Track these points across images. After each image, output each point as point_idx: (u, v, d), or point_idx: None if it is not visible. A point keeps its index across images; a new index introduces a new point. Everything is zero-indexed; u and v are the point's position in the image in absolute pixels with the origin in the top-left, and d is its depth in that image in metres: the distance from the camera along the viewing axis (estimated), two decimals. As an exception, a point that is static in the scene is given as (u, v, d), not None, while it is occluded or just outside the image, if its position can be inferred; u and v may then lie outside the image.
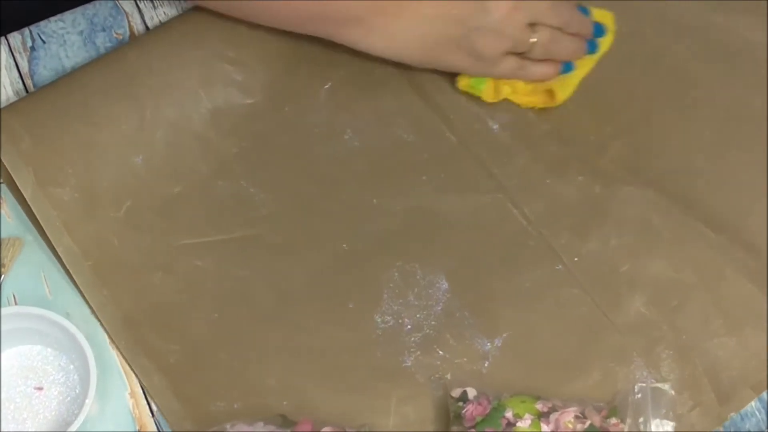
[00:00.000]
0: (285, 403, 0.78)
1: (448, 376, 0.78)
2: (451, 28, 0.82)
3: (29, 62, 0.88)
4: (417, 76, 0.89)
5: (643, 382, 0.78)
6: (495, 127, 0.88)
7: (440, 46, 0.84)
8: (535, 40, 0.83)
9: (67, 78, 0.86)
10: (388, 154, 0.87)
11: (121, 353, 0.79)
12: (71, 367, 0.78)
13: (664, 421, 0.76)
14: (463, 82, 0.87)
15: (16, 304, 0.80)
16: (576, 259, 0.84)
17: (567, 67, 0.87)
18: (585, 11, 0.88)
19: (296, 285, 0.82)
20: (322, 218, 0.84)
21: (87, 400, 0.73)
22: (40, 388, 0.77)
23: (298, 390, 0.78)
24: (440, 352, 0.80)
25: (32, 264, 0.81)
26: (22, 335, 0.77)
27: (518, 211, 0.85)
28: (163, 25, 0.90)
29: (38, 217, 0.81)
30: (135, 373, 0.78)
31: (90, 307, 0.80)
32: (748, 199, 0.87)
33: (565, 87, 0.88)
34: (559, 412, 0.73)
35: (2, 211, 0.82)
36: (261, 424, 0.74)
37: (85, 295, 0.80)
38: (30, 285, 0.81)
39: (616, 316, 0.82)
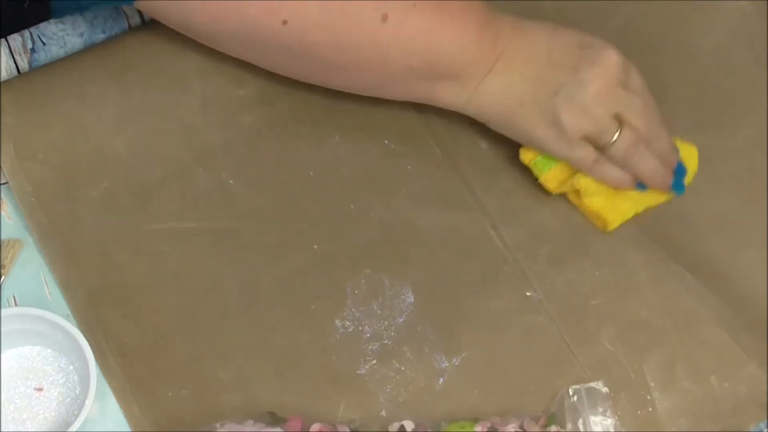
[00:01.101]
0: (234, 396, 0.78)
1: (383, 413, 0.77)
2: (539, 92, 0.79)
3: (29, 64, 0.89)
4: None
5: (577, 385, 0.77)
6: (483, 146, 0.87)
7: (523, 108, 0.80)
8: (617, 136, 0.79)
9: (63, 60, 0.87)
10: (372, 161, 0.86)
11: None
12: (71, 368, 0.78)
13: (603, 419, 0.75)
14: (528, 155, 0.83)
15: (16, 305, 0.80)
16: (548, 287, 0.83)
17: (640, 185, 0.83)
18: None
19: (262, 281, 0.82)
20: (298, 218, 0.84)
21: (87, 401, 0.74)
22: (40, 389, 0.77)
23: (250, 386, 0.78)
24: (396, 364, 0.79)
25: (32, 265, 0.82)
26: (22, 336, 0.78)
27: (496, 233, 0.85)
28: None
29: (13, 192, 0.82)
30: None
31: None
32: (731, 246, 0.85)
33: (618, 215, 0.84)
34: (499, 431, 0.72)
35: (2, 213, 0.83)
36: (251, 422, 0.74)
37: (51, 269, 0.81)
38: (30, 286, 0.81)
39: (580, 350, 0.81)
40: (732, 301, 0.83)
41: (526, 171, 0.87)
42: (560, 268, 0.84)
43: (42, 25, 0.89)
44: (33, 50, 0.89)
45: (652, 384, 0.80)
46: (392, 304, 0.81)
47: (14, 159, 0.82)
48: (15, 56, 0.88)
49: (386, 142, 0.87)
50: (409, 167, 0.86)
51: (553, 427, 0.75)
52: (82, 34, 0.90)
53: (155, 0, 0.77)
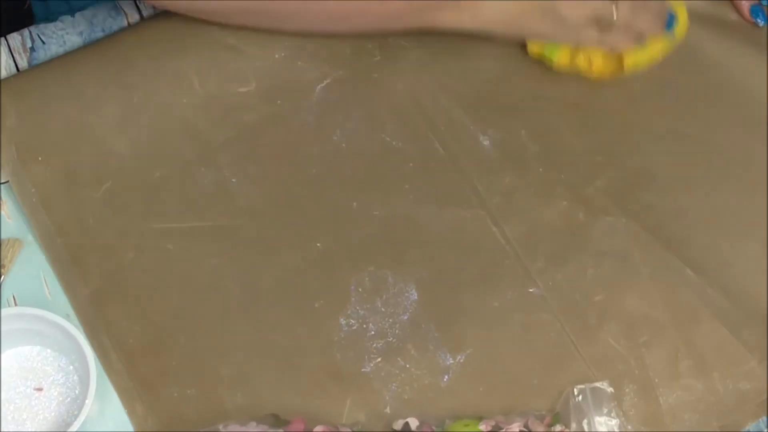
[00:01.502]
0: (238, 395, 0.78)
1: (387, 410, 0.77)
2: None
3: (29, 63, 0.88)
4: (414, 84, 0.89)
5: (582, 384, 0.77)
6: (485, 142, 0.88)
7: (525, 15, 0.86)
8: (615, 11, 0.85)
9: (61, 59, 0.87)
10: (373, 159, 0.86)
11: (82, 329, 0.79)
12: (71, 368, 0.78)
13: (608, 419, 0.75)
14: (534, 48, 0.90)
15: (15, 305, 0.80)
16: (550, 284, 0.83)
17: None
18: None
19: (265, 279, 0.82)
20: (300, 216, 0.84)
21: (87, 401, 0.73)
22: (40, 389, 0.77)
23: (253, 384, 0.78)
24: (401, 362, 0.79)
25: (32, 265, 0.81)
26: (21, 336, 0.77)
27: (498, 229, 0.85)
28: (164, 12, 0.90)
29: (16, 193, 0.82)
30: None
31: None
32: (731, 243, 0.86)
33: (635, 56, 0.89)
34: (503, 430, 0.72)
35: (2, 212, 0.83)
36: (253, 424, 0.74)
37: (54, 269, 0.80)
38: (30, 286, 0.81)
39: (584, 346, 0.81)
40: (733, 297, 0.83)
41: (528, 168, 0.87)
42: (562, 264, 0.84)
43: (41, 24, 0.89)
44: (32, 49, 0.88)
45: (656, 380, 0.80)
46: (396, 302, 0.81)
47: (16, 160, 0.83)
48: (14, 55, 0.87)
49: (387, 139, 0.87)
50: (410, 165, 0.86)
51: (558, 427, 0.75)
52: (81, 33, 0.89)
53: None
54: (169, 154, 0.85)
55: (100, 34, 0.89)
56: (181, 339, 0.79)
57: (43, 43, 0.88)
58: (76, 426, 0.73)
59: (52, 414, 0.77)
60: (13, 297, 0.80)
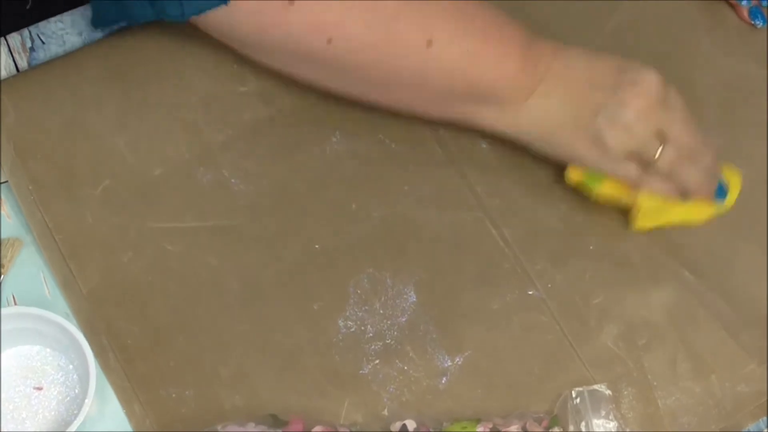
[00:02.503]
0: (237, 395, 0.78)
1: (385, 412, 0.77)
2: (580, 113, 0.80)
3: (29, 63, 0.88)
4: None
5: (580, 387, 0.77)
6: (484, 145, 0.87)
7: (564, 130, 0.80)
8: (660, 151, 0.79)
9: (61, 58, 0.87)
10: (373, 160, 0.86)
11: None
12: (70, 367, 0.78)
13: (606, 422, 0.75)
14: (575, 174, 0.82)
15: (15, 304, 0.80)
16: (549, 286, 0.83)
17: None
18: None
19: (264, 279, 0.81)
20: (299, 216, 0.84)
21: (86, 400, 0.73)
22: (40, 388, 0.77)
23: (251, 384, 0.78)
24: (399, 364, 0.79)
25: (32, 264, 0.81)
26: (21, 335, 0.77)
27: (497, 231, 0.85)
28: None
29: (14, 191, 0.82)
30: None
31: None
32: (730, 245, 0.86)
33: (650, 218, 0.83)
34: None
35: (2, 212, 0.83)
36: (252, 424, 0.74)
37: (52, 268, 0.80)
38: (29, 285, 0.81)
39: (583, 348, 0.81)
40: (732, 300, 0.83)
41: (527, 170, 0.87)
42: (561, 266, 0.84)
43: (41, 23, 0.89)
44: (32, 49, 0.88)
45: (655, 383, 0.80)
46: (394, 304, 0.81)
47: (14, 158, 0.82)
48: (14, 55, 0.87)
49: (387, 141, 0.87)
50: (410, 166, 0.86)
51: (556, 428, 0.76)
52: (81, 33, 0.89)
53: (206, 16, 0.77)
54: (169, 153, 0.84)
55: (99, 35, 0.89)
56: (179, 339, 0.79)
57: (43, 43, 0.88)
58: (75, 425, 0.73)
59: (52, 413, 0.77)
60: (13, 296, 0.80)
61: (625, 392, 0.80)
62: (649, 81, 0.79)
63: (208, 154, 0.85)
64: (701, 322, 0.82)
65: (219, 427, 0.74)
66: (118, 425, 0.77)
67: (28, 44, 0.88)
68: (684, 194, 0.82)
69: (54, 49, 0.88)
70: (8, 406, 0.76)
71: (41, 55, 0.88)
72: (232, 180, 0.84)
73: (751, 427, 0.80)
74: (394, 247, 0.84)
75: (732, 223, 0.86)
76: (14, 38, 0.88)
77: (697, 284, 0.84)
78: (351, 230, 0.84)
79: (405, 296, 0.82)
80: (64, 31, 0.89)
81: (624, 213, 0.84)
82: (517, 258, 0.84)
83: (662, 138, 0.79)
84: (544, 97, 0.80)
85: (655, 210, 0.82)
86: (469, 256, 0.84)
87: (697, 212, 0.84)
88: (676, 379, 0.80)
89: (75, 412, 0.74)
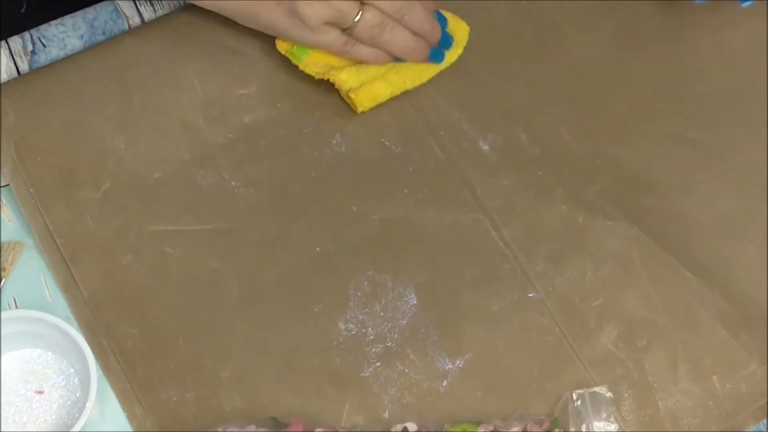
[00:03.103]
0: (237, 398, 0.78)
1: (386, 414, 0.77)
2: None
3: (30, 66, 0.88)
4: (414, 92, 0.89)
5: (581, 389, 0.77)
6: (485, 147, 0.87)
7: (259, 4, 0.80)
8: (358, 17, 0.79)
9: (63, 62, 0.87)
10: (373, 163, 0.86)
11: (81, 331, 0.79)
12: (72, 370, 0.78)
13: (607, 424, 0.75)
14: (284, 45, 0.84)
15: (16, 307, 0.80)
16: (549, 287, 0.83)
17: (398, 60, 0.84)
18: (442, 19, 0.85)
19: (264, 282, 0.81)
20: (299, 219, 0.84)
21: (87, 404, 0.73)
22: (41, 392, 0.77)
23: (252, 386, 0.78)
24: (400, 366, 0.79)
25: (33, 267, 0.81)
26: (22, 339, 0.77)
27: (497, 233, 0.85)
28: (166, 15, 0.90)
29: (15, 194, 0.82)
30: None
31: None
32: (731, 245, 0.85)
33: (367, 97, 0.84)
34: (501, 433, 0.73)
35: (3, 215, 0.83)
36: (252, 426, 0.74)
37: (52, 271, 0.80)
38: (30, 288, 0.81)
39: (582, 349, 0.81)
40: (733, 300, 0.83)
41: (527, 171, 0.87)
42: (561, 267, 0.84)
43: (42, 26, 0.89)
44: (33, 52, 0.88)
45: (655, 385, 0.80)
46: (395, 306, 0.81)
47: (15, 161, 0.83)
48: (15, 58, 0.87)
49: (387, 143, 0.87)
50: (410, 168, 0.86)
51: (557, 431, 0.76)
52: (82, 36, 0.89)
53: None
54: (169, 155, 0.85)
55: (101, 37, 0.89)
56: (179, 342, 0.79)
57: (44, 46, 0.88)
58: (76, 429, 0.73)
59: (53, 417, 0.76)
60: (14, 300, 0.80)
61: (626, 394, 0.80)
62: None
63: (209, 157, 0.85)
64: (702, 323, 0.82)
65: (220, 429, 0.74)
66: (118, 427, 0.77)
67: (29, 47, 0.88)
68: (390, 59, 0.82)
69: (55, 52, 0.88)
70: (9, 409, 0.77)
71: (42, 58, 0.88)
72: (232, 182, 0.84)
73: (752, 428, 0.80)
74: (394, 249, 0.83)
75: (733, 223, 0.86)
76: (15, 41, 0.88)
77: (698, 284, 0.83)
78: (351, 233, 0.84)
79: (405, 298, 0.82)
80: (65, 34, 0.89)
81: None
82: (517, 259, 0.84)
83: (361, 2, 0.79)
84: None
85: (364, 82, 0.82)
86: (470, 258, 0.84)
87: (411, 77, 0.84)
88: (676, 380, 0.80)
89: (76, 415, 0.74)
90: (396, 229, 0.84)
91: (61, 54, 0.88)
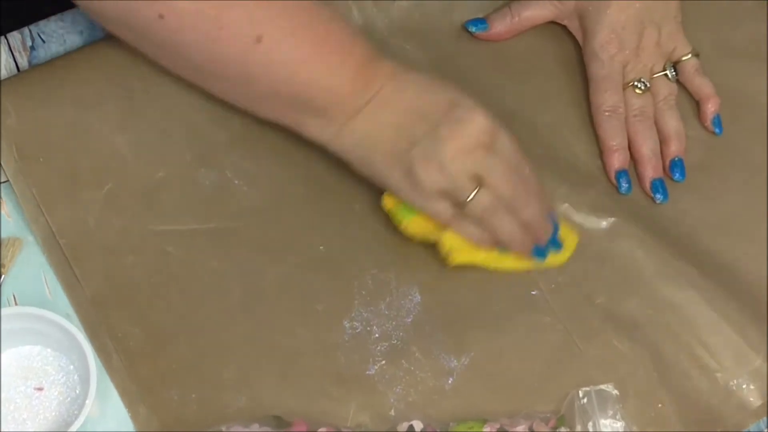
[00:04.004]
0: (240, 397, 0.77)
1: (392, 412, 0.77)
2: (398, 142, 0.77)
3: (29, 62, 0.88)
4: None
5: (587, 387, 0.77)
6: (488, 146, 0.87)
7: (382, 156, 0.78)
8: (472, 196, 0.77)
9: (62, 59, 0.87)
10: (376, 162, 0.86)
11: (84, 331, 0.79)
12: (71, 367, 0.77)
13: (614, 422, 0.75)
14: (389, 201, 0.80)
15: (16, 304, 0.79)
16: (553, 286, 0.83)
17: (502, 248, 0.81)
18: (555, 223, 0.83)
19: (267, 281, 0.81)
20: (302, 218, 0.84)
21: (87, 401, 0.73)
22: (40, 389, 0.77)
23: (256, 386, 0.78)
24: (405, 365, 0.79)
25: (32, 264, 0.81)
26: (22, 336, 0.77)
27: (500, 231, 0.84)
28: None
29: (17, 195, 0.81)
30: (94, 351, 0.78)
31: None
32: (735, 242, 0.86)
33: (462, 255, 0.81)
34: (508, 432, 0.73)
35: (2, 211, 0.82)
36: (256, 425, 0.74)
37: (55, 271, 0.80)
38: (30, 285, 0.80)
39: (587, 347, 0.81)
40: (737, 298, 0.83)
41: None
42: (564, 266, 0.84)
43: (41, 22, 0.88)
44: (32, 48, 0.88)
45: (660, 382, 0.80)
46: (400, 304, 0.81)
47: (17, 162, 0.82)
48: (14, 54, 0.87)
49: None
50: (413, 167, 0.86)
51: (563, 429, 0.76)
52: (81, 32, 0.89)
53: None
54: (171, 155, 0.84)
55: (100, 34, 0.89)
56: (182, 341, 0.79)
57: (44, 41, 0.88)
58: (76, 426, 0.72)
59: (53, 413, 0.76)
60: (14, 296, 0.80)
61: (631, 391, 0.79)
62: (475, 122, 0.76)
63: (211, 156, 0.85)
64: (707, 320, 0.82)
65: (223, 428, 0.74)
66: (119, 425, 0.77)
67: (29, 43, 0.88)
68: (496, 243, 0.80)
69: (54, 48, 0.88)
70: (9, 406, 0.76)
71: (42, 54, 0.88)
72: (235, 182, 0.84)
73: (752, 427, 0.80)
74: (398, 248, 0.83)
75: (736, 220, 0.87)
76: (14, 37, 0.88)
77: (702, 282, 0.83)
78: (354, 232, 0.84)
79: (410, 297, 0.81)
80: (64, 30, 0.89)
81: None
82: (521, 258, 0.84)
83: (478, 182, 0.77)
84: (369, 120, 0.78)
85: (464, 249, 0.80)
86: (473, 256, 0.84)
87: (510, 262, 0.82)
88: (682, 377, 0.80)
89: (76, 412, 0.73)
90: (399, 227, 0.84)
91: (61, 50, 0.88)
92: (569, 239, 0.84)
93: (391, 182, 0.78)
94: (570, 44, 0.93)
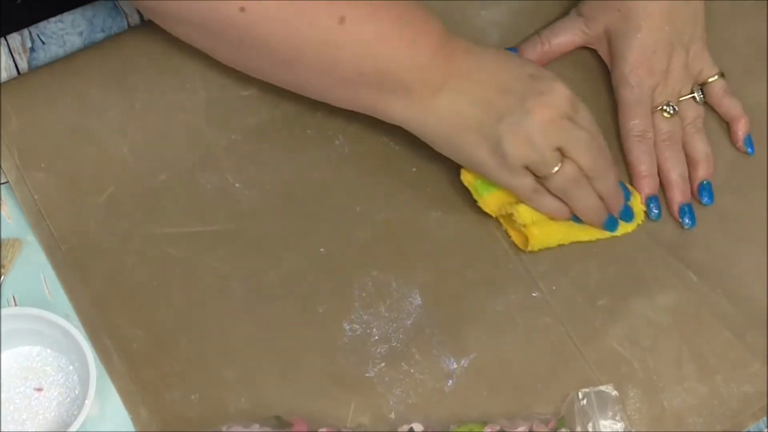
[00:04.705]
0: (242, 399, 0.78)
1: (392, 415, 0.77)
2: (485, 117, 0.77)
3: (29, 63, 0.88)
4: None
5: (587, 388, 0.77)
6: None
7: (467, 131, 0.78)
8: (558, 168, 0.78)
9: (63, 62, 0.87)
10: (377, 163, 0.86)
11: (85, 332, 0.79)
12: (71, 368, 0.77)
13: (613, 423, 0.75)
14: (468, 177, 0.82)
15: (15, 305, 0.80)
16: (554, 288, 0.83)
17: (576, 219, 0.82)
18: (626, 191, 0.84)
19: (268, 283, 0.81)
20: (303, 220, 0.84)
21: (87, 401, 0.73)
22: (40, 389, 0.77)
23: (257, 387, 0.78)
24: (405, 367, 0.79)
25: (32, 265, 0.81)
26: (21, 336, 0.77)
27: (501, 233, 0.85)
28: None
29: (19, 200, 0.82)
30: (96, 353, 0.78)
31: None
32: (734, 246, 0.86)
33: (541, 239, 0.82)
34: (508, 433, 0.73)
35: (2, 212, 0.82)
36: (257, 425, 0.74)
37: (57, 274, 0.80)
38: (30, 286, 0.80)
39: (588, 349, 0.81)
40: (736, 300, 0.83)
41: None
42: (565, 268, 0.84)
43: (41, 24, 0.89)
44: (32, 49, 0.88)
45: (660, 383, 0.80)
46: (400, 306, 0.81)
47: (19, 167, 0.83)
48: (14, 55, 0.87)
49: (390, 144, 0.87)
50: (413, 169, 0.86)
51: (563, 430, 0.76)
52: (81, 33, 0.89)
53: None
54: (172, 158, 0.84)
55: (100, 35, 0.89)
56: (183, 343, 0.79)
57: (43, 43, 0.88)
58: (76, 426, 0.73)
59: (52, 414, 0.76)
60: (13, 297, 0.80)
61: (631, 393, 0.80)
62: (558, 93, 0.78)
63: (212, 159, 0.85)
64: (706, 323, 0.82)
65: (224, 428, 0.74)
66: (118, 426, 0.77)
67: (28, 44, 0.88)
68: (574, 216, 0.81)
69: (54, 49, 0.88)
70: (8, 406, 0.76)
71: (41, 56, 0.88)
72: (236, 184, 0.84)
73: (752, 427, 0.80)
74: (398, 249, 0.84)
75: (735, 223, 0.87)
76: (14, 38, 0.88)
77: (701, 285, 0.84)
78: (355, 234, 0.84)
79: (410, 299, 0.82)
80: (64, 32, 0.89)
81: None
82: (521, 260, 0.84)
83: (563, 154, 0.78)
84: (453, 96, 0.78)
85: (541, 221, 0.81)
86: (473, 258, 0.84)
87: (585, 233, 0.83)
88: (681, 379, 0.80)
89: (75, 413, 0.74)
90: (400, 229, 0.84)
91: (61, 52, 0.88)
92: (637, 208, 0.84)
93: (476, 158, 0.79)
94: (596, 71, 0.92)
